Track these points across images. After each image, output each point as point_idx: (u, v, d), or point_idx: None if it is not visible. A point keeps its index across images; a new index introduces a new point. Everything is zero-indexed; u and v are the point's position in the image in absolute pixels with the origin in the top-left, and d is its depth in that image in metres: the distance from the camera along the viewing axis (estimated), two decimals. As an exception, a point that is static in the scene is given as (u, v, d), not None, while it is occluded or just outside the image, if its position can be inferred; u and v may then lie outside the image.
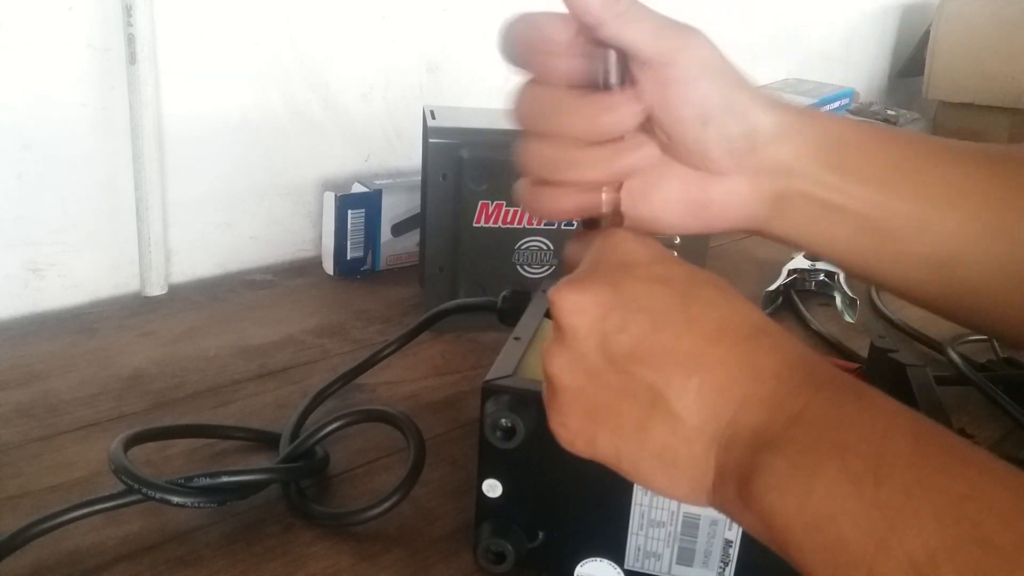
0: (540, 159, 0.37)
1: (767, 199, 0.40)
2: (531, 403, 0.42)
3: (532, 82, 0.37)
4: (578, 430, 0.34)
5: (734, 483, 0.30)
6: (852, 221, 0.40)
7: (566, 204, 0.38)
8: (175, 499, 0.47)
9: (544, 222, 0.75)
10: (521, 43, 0.37)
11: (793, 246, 0.44)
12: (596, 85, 0.36)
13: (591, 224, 0.40)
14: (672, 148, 0.39)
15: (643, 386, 0.32)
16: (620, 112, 0.36)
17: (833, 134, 0.40)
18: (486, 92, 1.07)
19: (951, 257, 0.40)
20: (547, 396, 0.35)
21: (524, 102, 0.37)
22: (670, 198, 0.41)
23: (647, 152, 0.38)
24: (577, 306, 0.33)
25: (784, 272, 0.89)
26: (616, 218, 0.40)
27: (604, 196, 0.38)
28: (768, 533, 0.30)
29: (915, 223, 0.40)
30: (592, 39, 0.36)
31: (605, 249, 0.35)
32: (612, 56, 0.36)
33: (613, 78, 0.36)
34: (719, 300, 0.33)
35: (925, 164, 0.40)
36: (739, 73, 0.39)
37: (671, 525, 0.43)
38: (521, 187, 0.40)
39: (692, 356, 0.31)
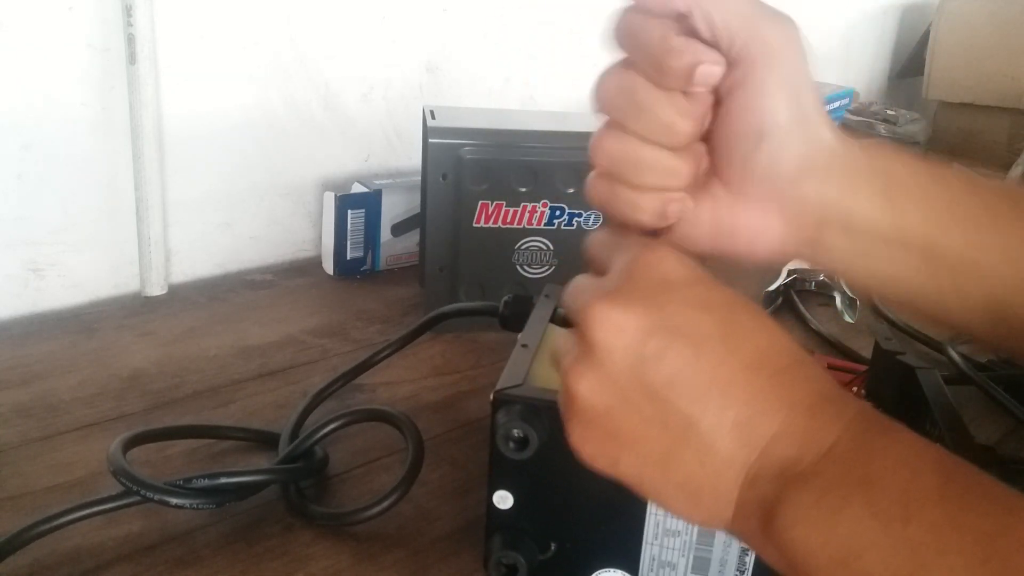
0: (617, 154, 0.36)
1: (804, 235, 0.38)
2: (543, 413, 0.41)
3: (623, 68, 0.35)
4: (601, 449, 0.33)
5: (757, 516, 0.30)
6: (902, 259, 0.38)
7: (633, 206, 0.36)
8: (174, 500, 0.47)
9: (543, 222, 0.75)
10: (629, 31, 0.35)
11: (836, 276, 0.42)
12: (686, 83, 0.34)
13: (645, 231, 0.38)
14: (717, 161, 0.37)
15: (678, 416, 0.31)
16: (700, 115, 0.34)
17: (882, 167, 0.38)
18: (486, 92, 1.07)
19: (1009, 301, 0.37)
20: (568, 410, 0.33)
21: (611, 87, 0.35)
22: (699, 218, 0.38)
23: (706, 164, 0.36)
24: (617, 325, 0.31)
25: (784, 272, 0.89)
26: (666, 229, 0.38)
27: (675, 206, 0.36)
28: (790, 567, 0.29)
29: (972, 265, 0.37)
30: (685, 31, 0.33)
31: (645, 264, 0.33)
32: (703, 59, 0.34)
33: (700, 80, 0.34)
34: (756, 327, 0.32)
35: (972, 201, 0.38)
36: (813, 86, 0.36)
37: (687, 534, 0.43)
38: (593, 180, 0.38)
39: (730, 387, 0.30)
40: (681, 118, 0.35)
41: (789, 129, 0.35)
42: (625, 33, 0.35)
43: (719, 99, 0.35)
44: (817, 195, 0.36)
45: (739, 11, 0.33)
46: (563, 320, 0.49)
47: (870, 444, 0.29)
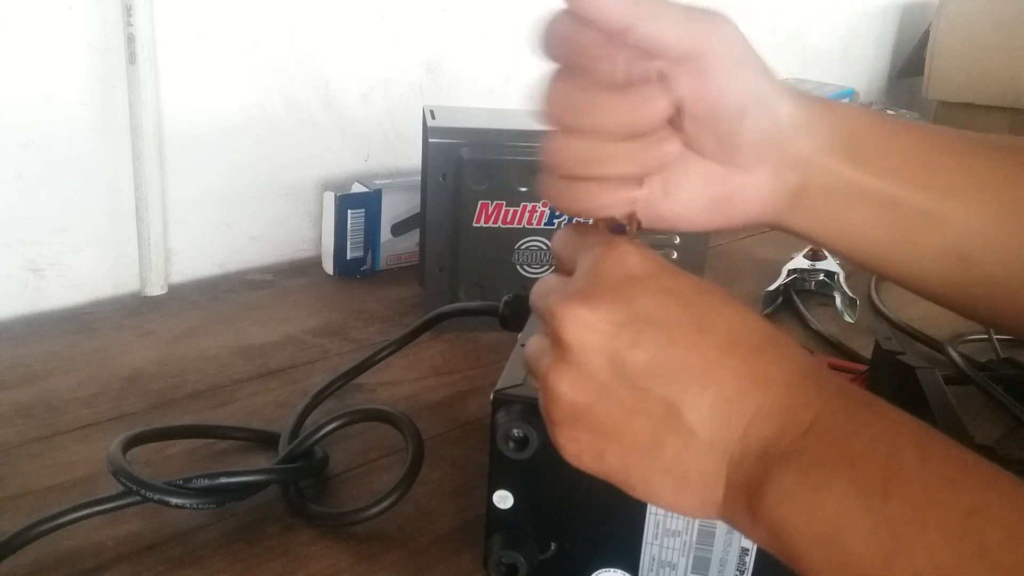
0: (572, 154, 0.36)
1: (787, 193, 0.40)
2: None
3: (563, 76, 0.36)
4: (587, 445, 0.33)
5: (744, 497, 0.30)
6: (868, 214, 0.40)
7: (597, 201, 0.37)
8: (174, 500, 0.47)
9: (543, 222, 0.75)
10: (561, 40, 0.35)
11: (809, 240, 0.43)
12: (629, 81, 0.35)
13: (613, 227, 0.38)
14: (699, 142, 0.38)
15: (658, 401, 0.31)
16: (656, 104, 0.35)
17: (849, 125, 0.40)
18: (486, 92, 1.07)
19: (966, 251, 0.39)
20: (551, 412, 0.34)
21: (555, 96, 0.36)
22: (694, 194, 0.40)
23: (675, 146, 0.37)
24: (586, 323, 0.32)
25: (784, 272, 0.89)
26: (634, 219, 0.38)
27: (633, 194, 0.37)
28: (778, 546, 0.29)
29: (930, 216, 0.39)
30: (621, 41, 0.34)
31: (607, 261, 0.34)
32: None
33: (646, 74, 0.35)
34: (726, 309, 0.33)
35: (940, 156, 0.40)
36: (764, 62, 0.38)
37: (687, 534, 0.43)
38: (548, 183, 0.38)
39: (705, 368, 0.31)
40: (640, 105, 0.35)
41: (761, 100, 0.38)
42: (558, 41, 0.35)
43: (688, 92, 0.36)
44: (797, 153, 0.39)
45: (673, 21, 0.34)
46: None
47: (851, 420, 0.29)
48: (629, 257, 0.34)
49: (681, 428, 0.31)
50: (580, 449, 0.33)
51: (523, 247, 0.76)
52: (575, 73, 0.36)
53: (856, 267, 0.44)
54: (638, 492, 0.33)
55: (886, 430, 0.29)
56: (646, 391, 0.31)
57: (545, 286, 0.35)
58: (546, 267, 0.77)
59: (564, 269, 0.36)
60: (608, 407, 0.32)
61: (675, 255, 0.78)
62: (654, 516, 0.43)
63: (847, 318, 0.84)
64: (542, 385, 0.34)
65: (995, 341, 0.77)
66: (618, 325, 0.32)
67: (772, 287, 0.87)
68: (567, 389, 0.33)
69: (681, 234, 0.78)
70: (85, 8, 0.73)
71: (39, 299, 0.77)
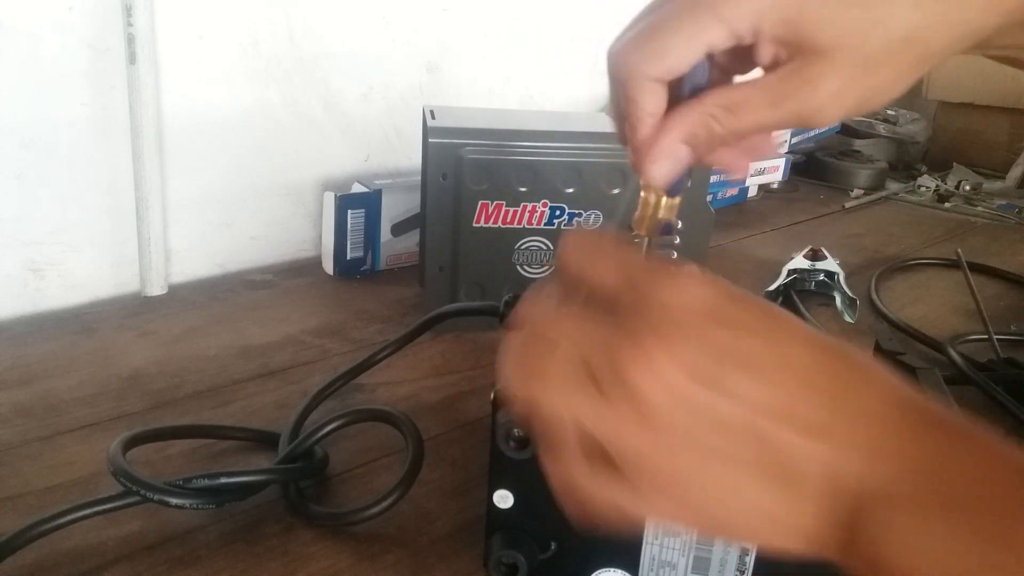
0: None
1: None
2: None
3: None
4: (662, 509, 0.31)
5: (839, 530, 0.28)
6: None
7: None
8: (174, 500, 0.47)
9: (543, 222, 0.75)
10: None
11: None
12: None
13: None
14: None
15: (746, 440, 0.29)
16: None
17: None
18: (486, 92, 1.07)
19: None
20: (640, 484, 0.30)
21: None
22: (829, 92, 0.36)
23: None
24: (665, 371, 0.28)
25: (784, 272, 0.89)
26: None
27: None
28: None
29: None
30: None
31: (667, 292, 0.30)
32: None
33: None
34: (799, 335, 0.31)
35: None
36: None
37: (687, 534, 0.43)
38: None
39: (790, 404, 0.29)
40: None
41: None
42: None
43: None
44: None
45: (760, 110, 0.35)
46: None
47: (961, 455, 0.27)
48: (691, 287, 0.30)
49: (770, 465, 0.29)
50: (651, 511, 0.31)
51: (523, 247, 0.76)
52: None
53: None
54: (717, 531, 0.32)
55: (997, 467, 0.27)
56: (731, 433, 0.29)
57: (555, 311, 0.31)
58: (546, 267, 0.77)
59: (570, 283, 0.32)
60: (688, 461, 0.29)
61: (675, 255, 0.78)
62: (654, 516, 0.43)
63: (847, 318, 0.84)
64: (618, 452, 0.30)
65: (995, 341, 0.77)
66: (698, 369, 0.29)
67: (772, 287, 0.87)
68: (649, 450, 0.29)
69: (681, 234, 0.78)
70: (85, 8, 0.73)
71: (39, 299, 0.77)
